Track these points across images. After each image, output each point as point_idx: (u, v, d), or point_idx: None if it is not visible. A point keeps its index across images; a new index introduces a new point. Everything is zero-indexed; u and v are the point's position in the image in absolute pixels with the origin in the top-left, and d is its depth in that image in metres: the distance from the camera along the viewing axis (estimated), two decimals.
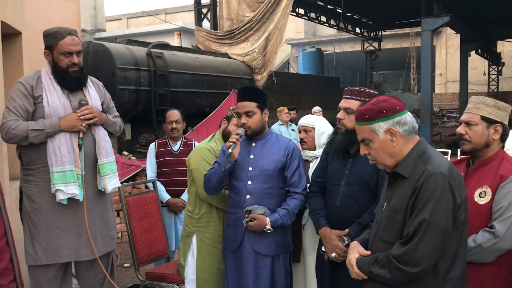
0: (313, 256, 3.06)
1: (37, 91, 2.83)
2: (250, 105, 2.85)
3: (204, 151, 3.14)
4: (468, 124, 2.37)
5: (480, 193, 2.30)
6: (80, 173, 2.81)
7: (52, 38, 2.85)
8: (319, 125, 3.29)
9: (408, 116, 1.97)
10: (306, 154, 3.27)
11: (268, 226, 2.77)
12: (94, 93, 3.02)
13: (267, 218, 2.78)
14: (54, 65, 2.86)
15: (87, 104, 2.88)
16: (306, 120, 3.33)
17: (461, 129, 2.40)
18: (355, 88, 2.79)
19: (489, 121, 2.34)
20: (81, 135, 2.83)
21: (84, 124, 2.81)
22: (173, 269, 3.58)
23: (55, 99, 2.83)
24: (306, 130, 3.30)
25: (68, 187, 2.75)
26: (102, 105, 3.05)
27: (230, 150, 2.73)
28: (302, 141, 3.31)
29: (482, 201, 2.28)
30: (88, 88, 2.99)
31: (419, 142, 1.98)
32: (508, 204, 2.20)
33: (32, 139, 2.74)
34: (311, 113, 8.25)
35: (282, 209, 2.83)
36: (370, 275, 1.96)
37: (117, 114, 3.23)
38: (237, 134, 2.80)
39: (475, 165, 2.39)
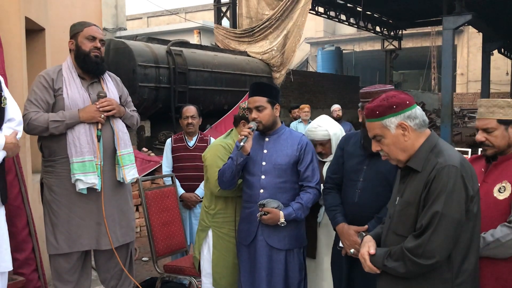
0: (327, 253, 3.05)
1: (57, 83, 2.92)
2: (261, 100, 2.87)
3: (219, 148, 3.16)
4: (486, 130, 2.35)
5: (500, 188, 2.28)
6: (99, 163, 2.88)
7: (78, 26, 2.99)
8: (333, 133, 3.17)
9: (418, 110, 1.97)
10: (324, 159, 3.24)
11: (282, 220, 2.78)
12: (112, 87, 3.10)
13: (280, 211, 2.79)
14: (77, 50, 2.96)
15: (106, 96, 2.95)
16: (319, 135, 3.15)
17: (480, 137, 2.37)
18: (371, 89, 2.70)
19: (507, 123, 2.32)
20: (99, 126, 2.90)
21: (102, 116, 2.89)
22: (190, 262, 3.62)
23: (74, 92, 2.91)
24: (322, 144, 3.17)
25: (87, 177, 2.83)
26: (120, 99, 3.12)
27: (242, 143, 2.75)
28: (320, 154, 3.19)
29: (501, 196, 2.26)
30: (106, 82, 3.08)
31: (430, 136, 1.98)
32: None
33: (52, 130, 2.82)
34: (330, 111, 8.28)
35: (295, 203, 2.84)
36: (384, 269, 1.97)
37: (134, 108, 3.30)
38: (249, 128, 2.82)
39: (497, 160, 2.37)
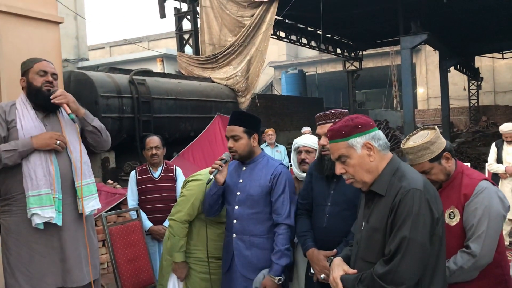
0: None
1: (10, 115, 2.83)
2: (237, 130, 2.85)
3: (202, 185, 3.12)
4: (424, 172, 2.41)
5: (449, 214, 2.33)
6: (57, 196, 2.77)
7: (28, 63, 2.91)
8: None
9: (380, 132, 2.01)
10: (302, 175, 3.23)
11: (276, 280, 2.72)
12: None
13: (269, 276, 2.73)
14: (29, 87, 2.87)
15: (57, 91, 2.86)
16: (308, 141, 3.25)
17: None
18: (326, 112, 2.79)
19: (437, 158, 2.39)
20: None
21: (58, 143, 2.78)
22: None
23: (29, 122, 2.82)
24: (308, 151, 3.23)
25: (44, 211, 2.70)
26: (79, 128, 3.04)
27: (211, 176, 2.75)
28: (303, 161, 3.24)
29: (452, 222, 2.32)
30: (62, 112, 2.98)
31: (392, 159, 2.00)
32: (477, 221, 2.25)
33: (5, 160, 2.70)
34: (296, 134, 8.36)
35: (274, 254, 2.77)
36: None
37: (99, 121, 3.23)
38: (221, 160, 2.82)
39: (442, 187, 2.43)
